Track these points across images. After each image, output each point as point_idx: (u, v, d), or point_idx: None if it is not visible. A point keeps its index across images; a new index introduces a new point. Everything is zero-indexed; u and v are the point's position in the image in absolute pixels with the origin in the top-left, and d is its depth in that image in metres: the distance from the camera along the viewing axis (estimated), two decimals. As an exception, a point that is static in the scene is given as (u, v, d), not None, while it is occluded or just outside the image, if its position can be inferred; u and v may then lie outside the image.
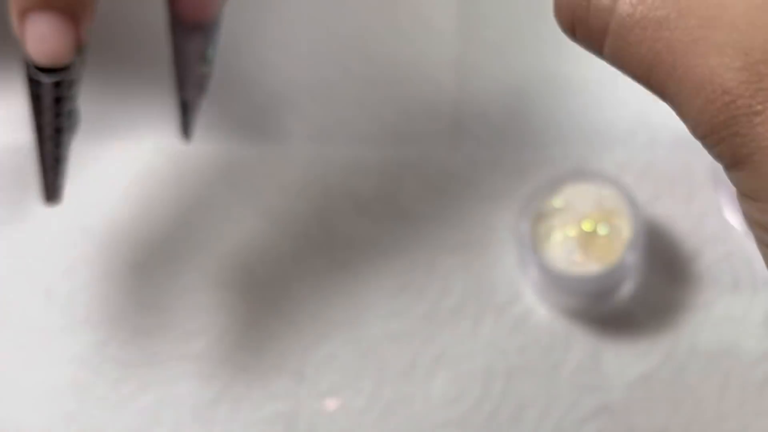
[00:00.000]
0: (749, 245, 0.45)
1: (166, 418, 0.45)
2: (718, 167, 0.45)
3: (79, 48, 0.31)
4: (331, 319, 0.45)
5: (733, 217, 0.45)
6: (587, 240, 0.41)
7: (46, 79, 0.31)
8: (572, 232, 0.41)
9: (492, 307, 0.45)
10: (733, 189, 0.44)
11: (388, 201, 0.47)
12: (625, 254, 0.40)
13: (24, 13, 0.30)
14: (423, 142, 0.47)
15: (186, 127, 0.37)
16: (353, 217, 0.47)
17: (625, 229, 0.41)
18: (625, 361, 0.44)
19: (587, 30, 0.22)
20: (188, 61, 0.34)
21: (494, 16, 0.49)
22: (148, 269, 0.46)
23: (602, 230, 0.41)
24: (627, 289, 0.44)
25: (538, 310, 0.45)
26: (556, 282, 0.41)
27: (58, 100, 0.32)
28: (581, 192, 0.42)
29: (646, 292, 0.45)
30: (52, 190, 0.34)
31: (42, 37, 0.30)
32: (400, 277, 0.46)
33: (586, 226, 0.41)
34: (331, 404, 0.45)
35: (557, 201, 0.42)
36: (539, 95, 0.48)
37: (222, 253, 0.46)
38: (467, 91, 0.48)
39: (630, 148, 0.47)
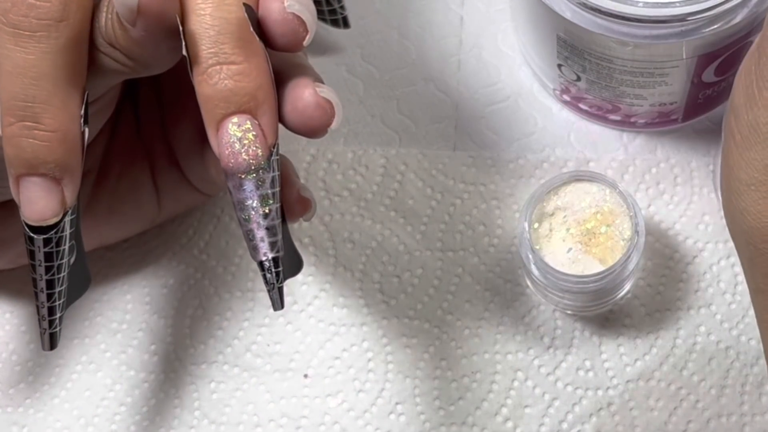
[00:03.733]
0: (749, 245, 0.45)
1: (178, 420, 0.45)
2: (718, 167, 0.45)
3: (65, 208, 0.34)
4: (333, 320, 0.45)
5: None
6: (587, 240, 0.41)
7: (37, 237, 0.34)
8: (572, 232, 0.41)
9: (492, 307, 0.45)
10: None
11: (389, 200, 0.47)
12: (626, 254, 0.40)
13: (17, 179, 0.34)
14: (423, 142, 0.47)
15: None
16: (353, 217, 0.47)
17: (625, 229, 0.41)
18: (625, 360, 0.44)
19: None
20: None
21: (496, 16, 0.49)
22: (154, 273, 0.47)
23: (602, 230, 0.41)
24: (627, 289, 0.44)
25: (539, 309, 0.45)
26: (556, 282, 0.41)
27: (48, 256, 0.35)
28: (581, 192, 0.42)
29: (646, 292, 0.45)
30: (47, 337, 0.37)
31: (30, 199, 0.34)
32: (400, 278, 0.46)
33: (587, 226, 0.41)
34: (334, 404, 0.45)
35: (557, 201, 0.42)
36: (540, 95, 0.48)
37: (226, 255, 0.47)
38: (468, 91, 0.48)
39: (630, 148, 0.47)
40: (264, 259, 0.35)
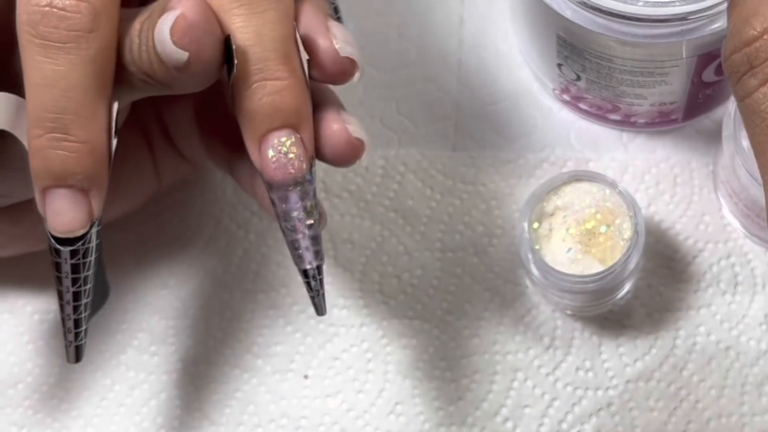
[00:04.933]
0: (749, 245, 0.45)
1: (178, 421, 0.45)
2: (718, 167, 0.45)
3: (92, 219, 0.34)
4: (333, 321, 0.45)
5: (733, 217, 0.45)
6: (588, 240, 0.41)
7: (64, 249, 0.34)
8: (572, 232, 0.41)
9: (492, 307, 0.45)
10: (732, 188, 0.44)
11: (388, 201, 0.47)
12: (626, 254, 0.40)
13: (44, 191, 0.34)
14: (423, 143, 0.47)
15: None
16: (353, 218, 0.47)
17: (625, 229, 0.41)
18: (625, 360, 0.44)
19: None
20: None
21: (496, 16, 0.49)
22: (153, 274, 0.47)
23: (602, 230, 0.41)
24: (627, 289, 0.44)
25: (539, 309, 0.45)
26: (556, 282, 0.41)
27: (75, 268, 0.35)
28: (581, 192, 0.42)
29: (646, 292, 0.45)
30: (72, 350, 0.37)
31: (57, 211, 0.34)
32: (400, 278, 0.46)
33: (587, 226, 0.41)
34: (334, 404, 0.45)
35: (557, 201, 0.41)
36: (540, 95, 0.48)
37: (226, 256, 0.47)
38: (468, 91, 0.48)
39: (630, 148, 0.47)
40: (309, 267, 0.36)
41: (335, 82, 0.36)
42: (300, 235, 0.36)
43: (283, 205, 0.35)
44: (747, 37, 0.31)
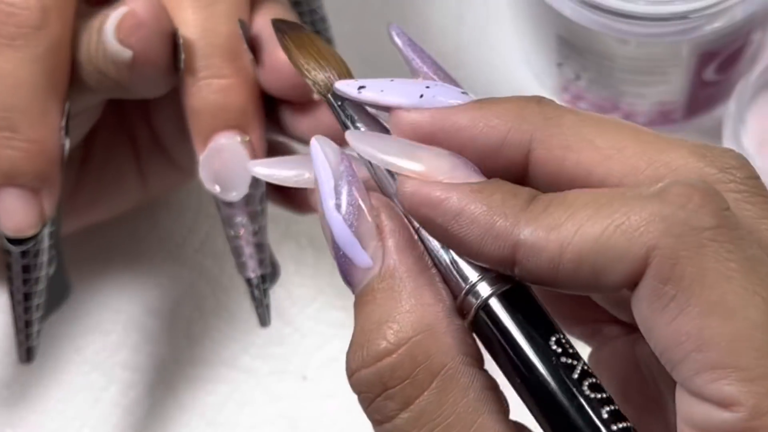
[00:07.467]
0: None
1: (174, 421, 0.44)
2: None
3: (44, 220, 0.33)
4: (332, 322, 0.45)
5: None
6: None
7: (14, 249, 0.33)
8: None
9: (492, 307, 0.45)
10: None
11: (387, 201, 0.47)
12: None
13: None
14: (422, 142, 0.47)
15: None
16: (352, 217, 0.46)
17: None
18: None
19: None
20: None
21: (496, 16, 0.49)
22: (149, 273, 0.46)
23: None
24: (627, 288, 0.44)
25: (538, 310, 0.45)
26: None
27: (26, 268, 0.34)
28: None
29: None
30: (23, 351, 0.36)
31: (8, 211, 0.33)
32: (398, 278, 0.46)
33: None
34: (332, 406, 0.44)
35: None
36: (539, 94, 0.48)
37: (224, 256, 0.46)
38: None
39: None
40: (252, 276, 0.35)
41: (281, 96, 0.34)
42: (243, 242, 0.34)
43: (227, 210, 0.34)
44: (378, 350, 0.24)
